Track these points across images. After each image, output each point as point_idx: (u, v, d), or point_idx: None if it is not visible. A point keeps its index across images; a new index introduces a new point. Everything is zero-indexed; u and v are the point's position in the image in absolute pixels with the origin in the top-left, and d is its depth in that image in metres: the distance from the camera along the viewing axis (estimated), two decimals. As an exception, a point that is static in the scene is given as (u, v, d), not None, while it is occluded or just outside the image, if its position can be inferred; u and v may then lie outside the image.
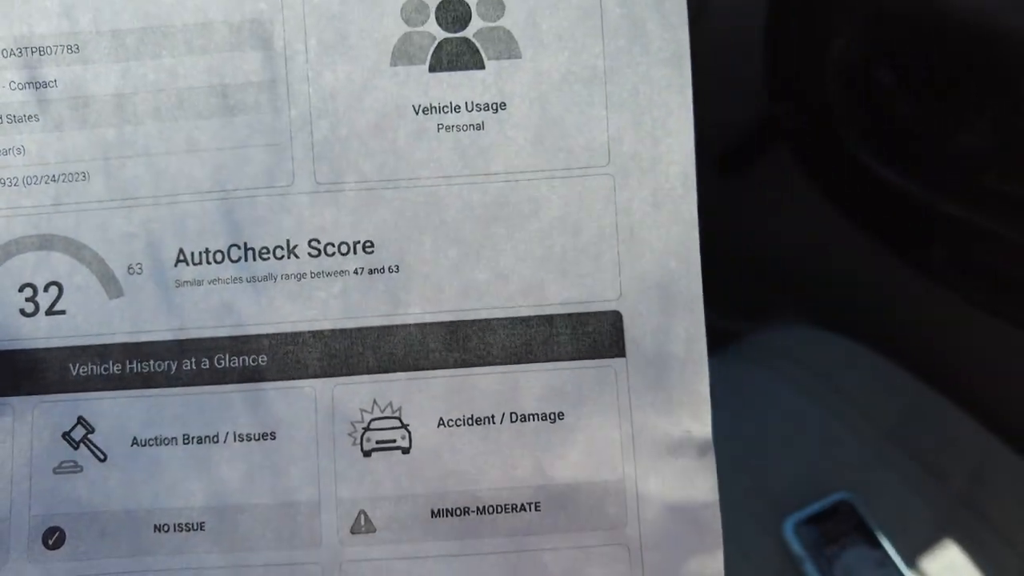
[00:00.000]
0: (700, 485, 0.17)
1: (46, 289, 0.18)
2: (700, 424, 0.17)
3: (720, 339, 0.56)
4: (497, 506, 0.17)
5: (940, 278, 0.51)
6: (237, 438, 0.17)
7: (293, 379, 0.18)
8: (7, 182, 0.18)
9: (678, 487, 0.17)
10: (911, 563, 0.42)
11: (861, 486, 0.45)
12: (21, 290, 0.18)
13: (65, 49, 0.18)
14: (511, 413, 0.17)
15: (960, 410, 0.48)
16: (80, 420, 0.18)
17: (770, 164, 0.60)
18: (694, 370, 0.17)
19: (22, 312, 0.18)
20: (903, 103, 0.48)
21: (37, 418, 0.18)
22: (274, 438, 0.17)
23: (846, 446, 0.47)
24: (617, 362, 0.18)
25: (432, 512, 0.17)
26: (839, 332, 0.52)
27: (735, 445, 0.48)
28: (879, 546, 0.42)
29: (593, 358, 0.18)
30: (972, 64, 0.43)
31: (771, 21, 0.52)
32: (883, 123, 0.50)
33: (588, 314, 0.18)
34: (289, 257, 0.18)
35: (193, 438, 0.18)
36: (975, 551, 0.42)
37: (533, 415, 0.17)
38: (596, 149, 0.18)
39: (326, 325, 0.18)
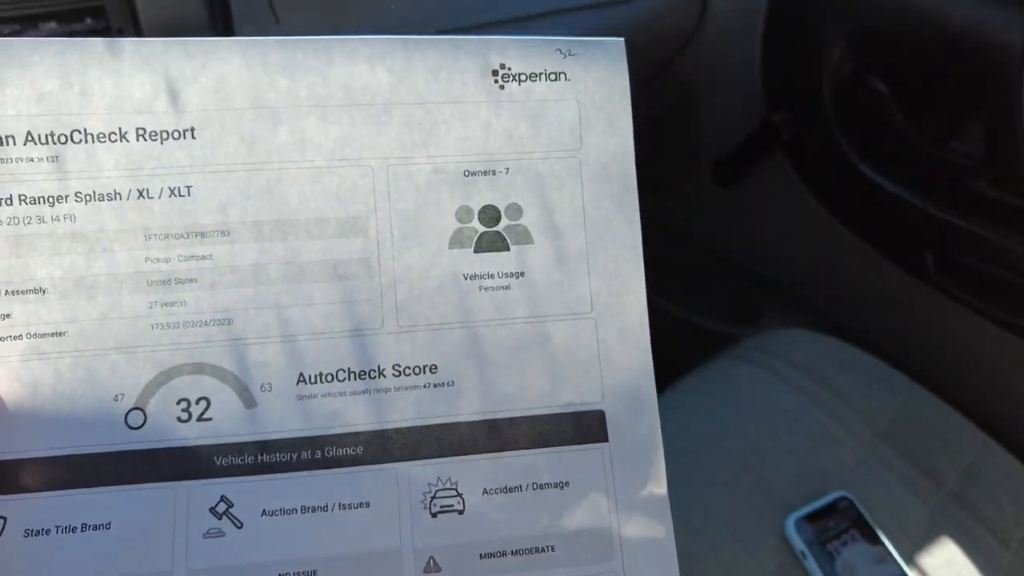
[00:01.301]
0: (660, 528, 0.25)
1: (197, 403, 0.24)
2: (658, 486, 0.25)
3: (721, 342, 0.55)
4: (525, 549, 0.24)
5: (933, 281, 0.50)
6: (340, 507, 0.24)
7: (382, 463, 0.24)
8: (172, 325, 0.24)
9: (646, 531, 0.25)
10: (908, 559, 0.42)
11: (858, 484, 0.44)
12: (178, 403, 0.24)
13: (219, 233, 0.25)
14: (532, 483, 0.25)
15: (953, 410, 0.48)
16: (223, 498, 0.24)
17: (768, 171, 0.59)
18: (653, 449, 0.26)
19: (179, 419, 0.24)
20: (897, 112, 0.47)
21: (192, 496, 0.23)
22: (368, 507, 0.24)
23: (843, 446, 0.46)
24: (603, 446, 0.25)
25: (480, 555, 0.24)
26: (836, 335, 0.52)
27: (736, 445, 0.46)
28: (878, 542, 0.42)
29: (587, 443, 0.25)
30: (964, 72, 0.43)
31: (768, 34, 0.52)
32: (878, 131, 0.49)
33: (582, 412, 0.25)
34: (380, 377, 0.25)
35: (308, 508, 0.24)
36: (969, 547, 0.42)
37: (547, 484, 0.25)
38: (583, 301, 0.26)
39: (404, 424, 0.25)
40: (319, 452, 0.24)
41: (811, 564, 0.41)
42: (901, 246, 0.53)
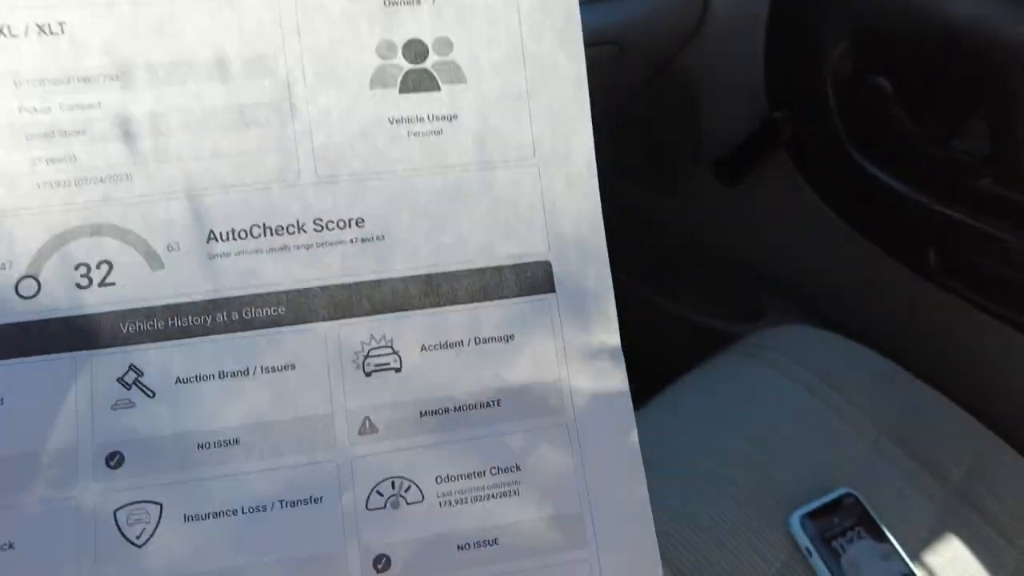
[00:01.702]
0: (614, 380, 0.23)
1: (98, 267, 0.22)
2: (610, 335, 0.23)
3: (722, 341, 0.55)
4: (469, 405, 0.22)
5: (936, 279, 0.50)
6: (263, 370, 0.22)
7: (306, 323, 0.22)
8: (62, 183, 0.22)
9: (598, 382, 0.23)
10: (914, 556, 0.41)
11: (863, 481, 0.44)
12: (76, 268, 0.21)
13: (106, 79, 0.22)
14: (475, 338, 0.23)
15: (957, 407, 0.47)
16: (131, 367, 0.21)
17: (770, 169, 0.58)
18: (604, 297, 0.24)
19: (78, 286, 0.21)
20: (899, 110, 0.47)
21: (96, 367, 0.21)
22: (293, 369, 0.22)
23: (848, 442, 0.46)
24: (550, 296, 0.23)
25: (421, 413, 0.22)
26: (841, 332, 0.51)
27: (740, 442, 0.45)
28: (884, 538, 0.41)
29: (533, 294, 0.23)
30: (967, 70, 0.43)
31: (770, 33, 0.51)
32: (880, 129, 0.49)
33: (527, 264, 0.23)
34: (300, 232, 0.22)
35: (227, 373, 0.22)
36: (975, 545, 0.42)
37: (491, 338, 0.23)
38: (524, 147, 0.24)
39: (330, 281, 0.22)
40: (236, 314, 0.22)
41: (816, 561, 0.40)
42: (904, 243, 0.53)
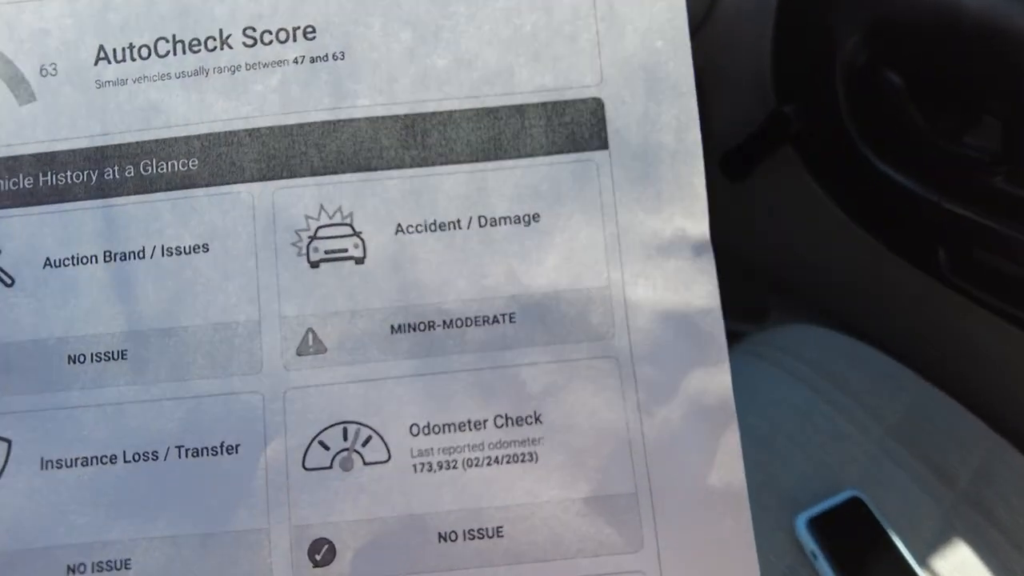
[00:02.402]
0: (697, 289, 0.14)
1: None
2: (695, 221, 0.14)
3: (730, 338, 0.59)
4: (466, 319, 0.14)
5: (946, 278, 0.50)
6: (165, 252, 0.14)
7: (228, 184, 0.15)
8: None
9: (672, 292, 0.14)
10: (920, 561, 0.41)
11: (869, 483, 0.44)
12: None
13: None
14: (479, 217, 0.15)
15: (964, 409, 0.47)
16: None
17: (777, 164, 0.59)
18: (687, 161, 0.14)
19: None
20: (911, 105, 0.47)
21: None
22: (207, 251, 0.14)
23: (854, 443, 0.46)
24: (599, 155, 0.15)
25: (392, 328, 0.14)
26: (847, 331, 0.51)
27: (745, 442, 0.48)
28: (891, 543, 0.41)
29: (571, 152, 0.15)
30: (980, 65, 0.42)
31: (780, 24, 0.51)
32: (891, 125, 0.49)
33: (565, 103, 0.15)
34: (222, 48, 0.15)
35: (115, 255, 0.15)
36: (983, 550, 0.41)
37: (504, 218, 0.15)
38: None
39: (264, 122, 0.15)
40: (130, 169, 0.15)
41: (822, 565, 0.39)
42: (913, 242, 0.53)
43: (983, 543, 0.41)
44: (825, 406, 0.46)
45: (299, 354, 0.14)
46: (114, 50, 0.15)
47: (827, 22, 0.49)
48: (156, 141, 0.15)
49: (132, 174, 0.15)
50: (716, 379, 0.14)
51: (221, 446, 0.14)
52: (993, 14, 0.40)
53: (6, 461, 0.14)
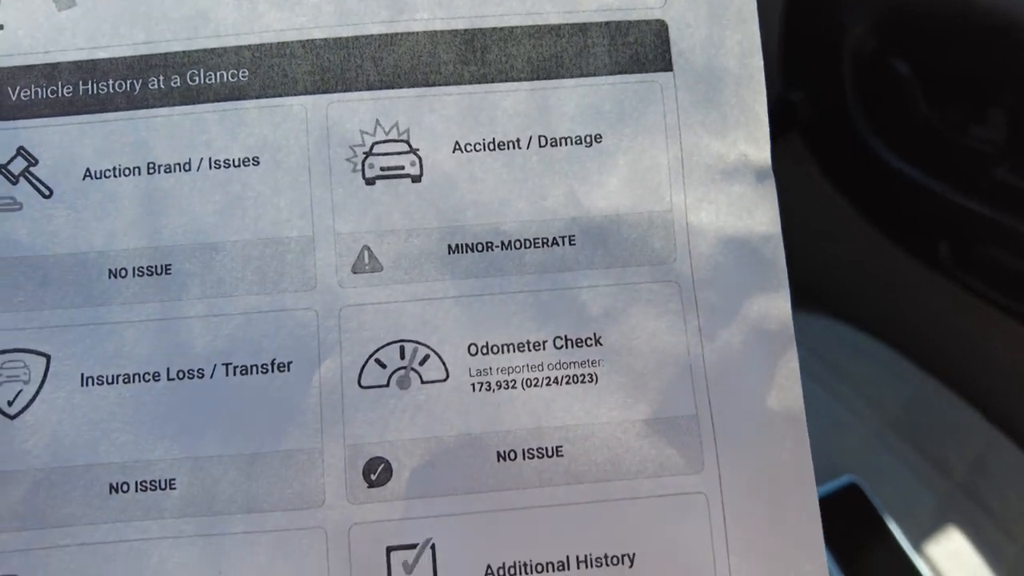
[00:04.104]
0: (760, 215, 0.14)
1: None
2: (758, 147, 0.14)
3: None
4: (525, 240, 0.13)
5: (947, 271, 0.49)
6: (212, 164, 0.13)
7: (279, 96, 0.13)
8: None
9: (734, 217, 0.14)
10: (915, 547, 0.41)
11: (867, 470, 0.43)
12: None
13: None
14: (540, 136, 0.14)
15: (962, 401, 0.47)
16: (20, 151, 0.13)
17: (783, 151, 0.60)
18: (749, 86, 0.14)
19: None
20: (919, 96, 0.46)
21: None
22: (257, 164, 0.13)
23: (853, 433, 0.46)
24: (663, 76, 0.14)
25: (449, 248, 0.13)
26: (848, 322, 0.51)
27: None
28: (887, 529, 0.41)
29: (635, 72, 0.14)
30: (990, 55, 0.41)
31: (789, 9, 0.50)
32: (898, 115, 0.48)
33: (629, 23, 0.14)
34: None
35: (159, 167, 0.13)
36: (976, 539, 0.41)
37: (566, 138, 0.14)
38: None
39: (318, 34, 0.14)
40: (176, 79, 0.14)
41: None
42: (916, 234, 0.52)
43: (976, 532, 0.42)
44: (825, 395, 0.46)
45: (354, 272, 0.13)
46: None
47: (836, 8, 0.48)
48: (204, 51, 0.14)
49: (178, 84, 0.14)
50: (776, 304, 0.13)
51: (272, 364, 0.13)
52: (1005, 3, 0.39)
53: (45, 376, 0.13)
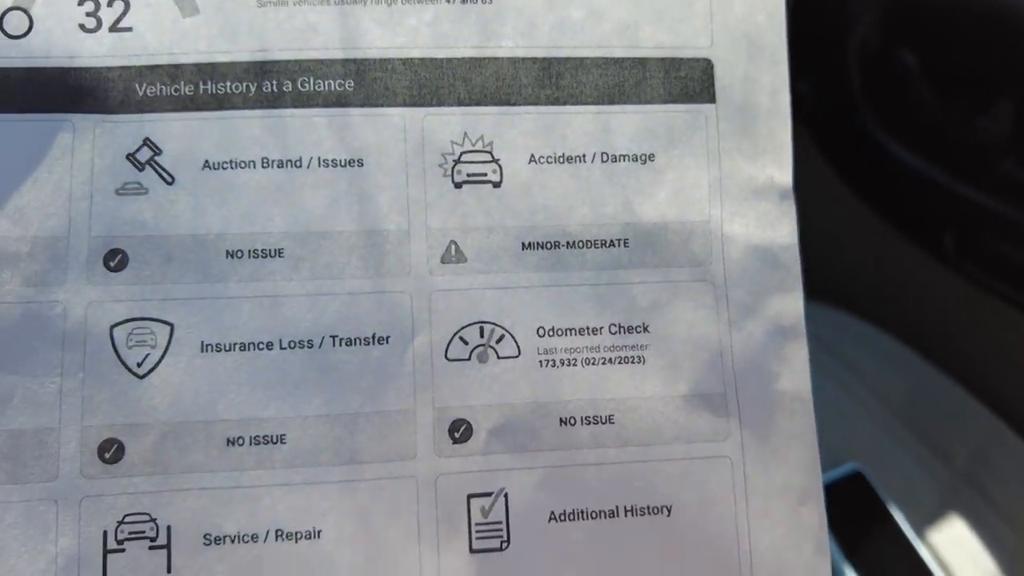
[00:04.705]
0: (781, 228, 0.16)
1: (110, 4, 0.15)
2: (782, 171, 0.16)
3: None
4: (586, 241, 0.16)
5: (953, 263, 0.49)
6: (321, 163, 0.15)
7: (381, 106, 0.15)
8: None
9: (760, 229, 0.16)
10: (918, 534, 0.41)
11: (870, 459, 0.43)
12: (81, 4, 0.15)
13: None
14: (602, 153, 0.16)
15: (965, 392, 0.47)
16: (146, 141, 0.15)
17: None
18: (778, 119, 0.16)
19: (82, 27, 0.15)
20: (924, 86, 0.45)
21: (99, 137, 0.15)
22: (361, 165, 0.15)
23: (857, 421, 0.45)
24: (707, 108, 0.16)
25: (522, 244, 0.15)
26: (853, 313, 0.50)
27: None
28: (890, 516, 0.41)
29: (684, 102, 0.16)
30: (998, 46, 0.40)
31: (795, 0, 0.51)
32: (904, 106, 0.47)
33: (681, 59, 0.16)
34: None
35: (272, 162, 0.15)
36: (976, 526, 0.41)
37: (624, 155, 0.16)
38: None
39: (416, 53, 0.15)
40: (288, 84, 0.15)
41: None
42: (921, 226, 0.51)
43: (978, 520, 0.42)
44: (829, 383, 0.46)
45: (443, 262, 0.15)
46: None
47: (843, 1, 0.46)
48: (313, 60, 0.15)
49: (290, 89, 0.15)
50: (792, 304, 0.16)
51: (372, 337, 0.15)
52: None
53: (169, 342, 0.14)
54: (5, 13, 0.15)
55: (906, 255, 0.51)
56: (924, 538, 0.40)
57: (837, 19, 0.46)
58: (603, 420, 0.15)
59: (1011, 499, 0.42)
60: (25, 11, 0.15)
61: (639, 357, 0.16)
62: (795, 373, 0.16)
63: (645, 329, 0.16)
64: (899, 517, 0.40)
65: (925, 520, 0.41)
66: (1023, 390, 0.48)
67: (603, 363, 0.15)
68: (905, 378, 0.47)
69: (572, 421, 0.15)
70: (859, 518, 0.40)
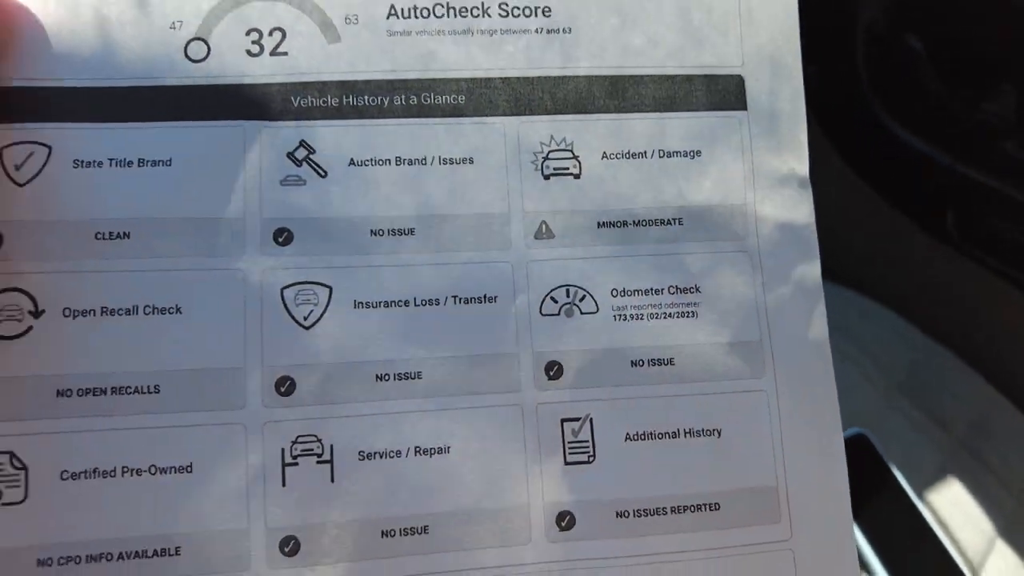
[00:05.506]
0: (801, 210, 0.20)
1: (270, 34, 0.18)
2: (800, 164, 0.20)
3: None
4: (649, 220, 0.19)
5: (955, 242, 0.49)
6: (441, 161, 0.19)
7: (486, 116, 0.19)
8: None
9: (785, 211, 0.20)
10: (919, 496, 0.42)
11: (873, 429, 0.43)
12: (248, 34, 0.18)
13: None
14: (659, 150, 0.19)
15: (965, 365, 0.48)
16: (302, 143, 0.18)
17: None
18: (796, 123, 0.20)
19: (248, 52, 0.18)
20: (930, 69, 0.45)
21: (265, 139, 0.18)
22: (472, 163, 0.19)
23: (861, 393, 0.46)
24: (740, 114, 0.20)
25: (598, 223, 0.19)
26: (857, 289, 0.51)
27: None
28: (893, 477, 0.41)
29: (723, 110, 0.20)
30: (1000, 32, 0.41)
31: None
32: (909, 89, 0.47)
33: (719, 76, 0.20)
34: (483, 16, 0.19)
35: (404, 160, 0.19)
36: (975, 490, 0.42)
37: (676, 152, 0.20)
38: None
39: (513, 73, 0.19)
40: (414, 98, 0.19)
41: None
42: (922, 203, 0.51)
43: (976, 484, 0.42)
44: (836, 356, 0.44)
45: (536, 238, 0.19)
46: (402, 9, 0.19)
47: None
48: (433, 79, 0.19)
49: (415, 102, 0.19)
50: (811, 270, 0.20)
51: (484, 297, 0.18)
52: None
53: (328, 301, 0.18)
54: (189, 42, 0.18)
55: (908, 234, 0.51)
56: (925, 501, 0.41)
57: (844, 4, 0.46)
58: (665, 362, 0.19)
59: (1009, 466, 0.43)
60: (204, 40, 0.18)
61: (692, 312, 0.19)
62: (816, 325, 0.20)
63: (697, 290, 0.19)
64: (901, 479, 0.41)
65: (926, 484, 0.42)
66: (1020, 363, 0.48)
67: (664, 317, 0.19)
68: (907, 352, 0.47)
69: (640, 363, 0.19)
70: (863, 479, 0.40)
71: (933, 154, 0.46)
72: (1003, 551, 0.40)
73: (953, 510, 0.41)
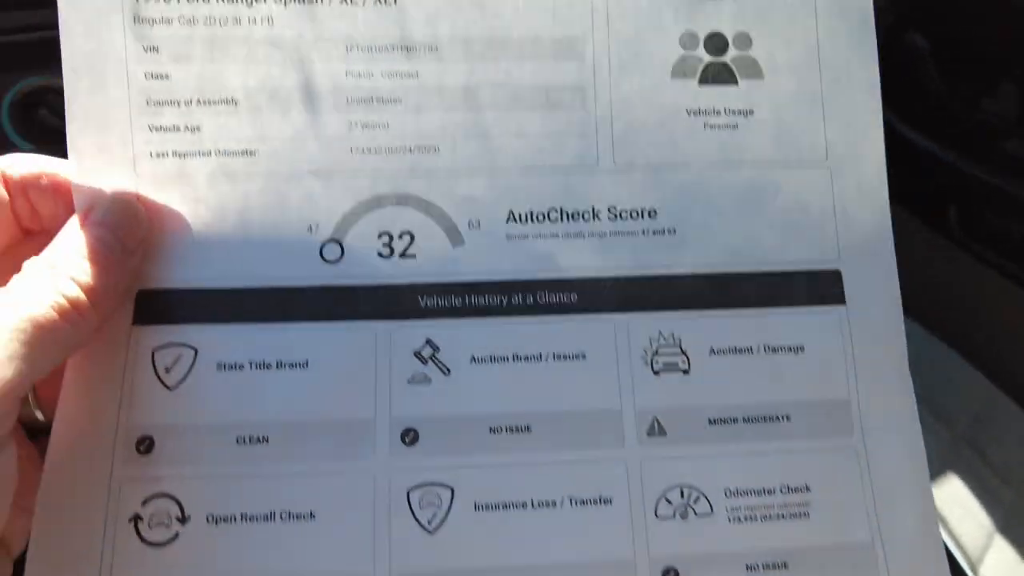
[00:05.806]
0: (903, 400, 0.20)
1: (400, 237, 0.20)
2: (899, 354, 0.21)
3: None
4: (758, 416, 0.20)
5: (956, 238, 0.50)
6: (555, 357, 0.19)
7: (597, 312, 0.20)
8: (373, 150, 0.20)
9: (888, 403, 0.20)
10: None
11: None
12: (379, 237, 0.19)
13: (426, 49, 0.20)
14: (763, 345, 0.20)
15: (965, 361, 0.48)
16: (428, 341, 0.19)
17: None
18: (892, 313, 0.21)
19: (379, 255, 0.19)
20: (932, 68, 0.45)
21: (395, 338, 0.19)
22: (584, 359, 0.19)
23: None
24: (840, 308, 0.21)
25: (709, 420, 0.19)
26: None
27: None
28: None
29: (822, 304, 0.20)
30: (1002, 31, 0.41)
31: None
32: (911, 87, 0.47)
33: (818, 271, 0.20)
34: (594, 219, 0.20)
35: (519, 357, 0.19)
36: (975, 483, 0.43)
37: (781, 347, 0.20)
38: (817, 149, 0.21)
39: (622, 273, 0.20)
40: (531, 297, 0.20)
41: None
42: (926, 202, 0.51)
43: (976, 477, 0.43)
44: None
45: (648, 435, 0.19)
46: (520, 214, 0.20)
47: None
48: (548, 280, 0.20)
49: (531, 302, 0.20)
50: (918, 463, 0.20)
51: (599, 498, 0.19)
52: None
53: (451, 503, 0.18)
54: (325, 244, 0.20)
55: (910, 231, 0.50)
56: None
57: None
58: (779, 566, 0.19)
59: (1008, 460, 0.44)
60: (339, 242, 0.20)
61: (804, 513, 0.19)
62: (928, 518, 0.20)
63: (807, 489, 0.20)
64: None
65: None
66: (1019, 360, 0.48)
67: (777, 519, 0.19)
68: (908, 347, 0.48)
69: (755, 567, 0.19)
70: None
71: (935, 151, 0.46)
72: (1001, 546, 0.40)
73: (953, 505, 0.41)
